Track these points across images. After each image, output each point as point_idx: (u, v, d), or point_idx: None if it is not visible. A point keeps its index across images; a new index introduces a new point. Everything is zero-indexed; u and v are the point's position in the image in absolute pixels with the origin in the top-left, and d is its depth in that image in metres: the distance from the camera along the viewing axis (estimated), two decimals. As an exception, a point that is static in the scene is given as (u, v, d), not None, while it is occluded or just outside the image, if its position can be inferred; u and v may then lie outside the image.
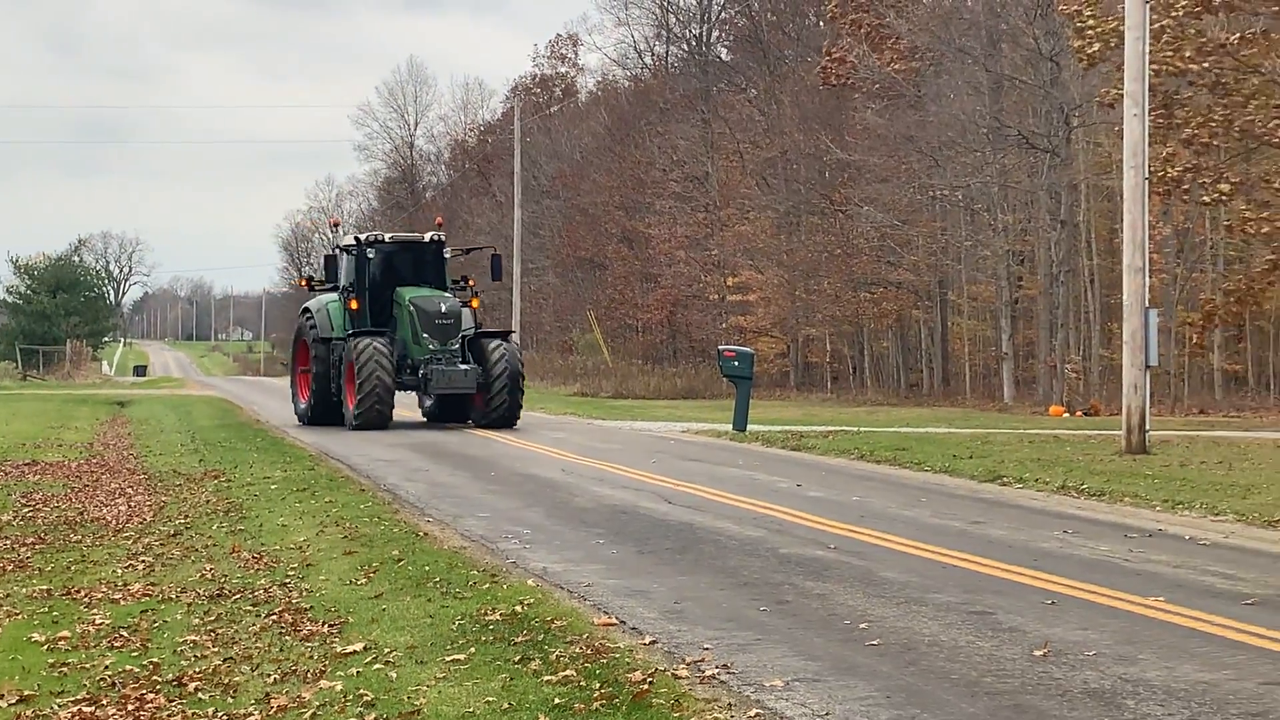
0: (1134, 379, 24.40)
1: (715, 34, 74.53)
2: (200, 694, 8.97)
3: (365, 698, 8.58)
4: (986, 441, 27.32)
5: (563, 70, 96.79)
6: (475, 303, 32.82)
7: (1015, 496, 19.01)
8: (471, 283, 33.34)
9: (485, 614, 10.63)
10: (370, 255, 32.07)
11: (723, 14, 73.53)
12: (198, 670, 9.52)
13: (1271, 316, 46.11)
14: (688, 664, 9.16)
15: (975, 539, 14.68)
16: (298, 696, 8.73)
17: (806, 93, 58.72)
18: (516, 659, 9.30)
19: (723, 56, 73.90)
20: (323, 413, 31.82)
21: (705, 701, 8.29)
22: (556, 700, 8.30)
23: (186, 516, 17.14)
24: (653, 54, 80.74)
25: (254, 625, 10.89)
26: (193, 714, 8.52)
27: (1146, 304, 24.61)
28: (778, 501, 17.73)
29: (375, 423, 29.93)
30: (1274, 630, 10.14)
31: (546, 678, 8.80)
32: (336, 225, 37.92)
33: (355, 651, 9.79)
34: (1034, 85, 45.76)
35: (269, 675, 9.34)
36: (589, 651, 9.39)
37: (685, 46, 76.43)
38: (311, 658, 9.76)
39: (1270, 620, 10.52)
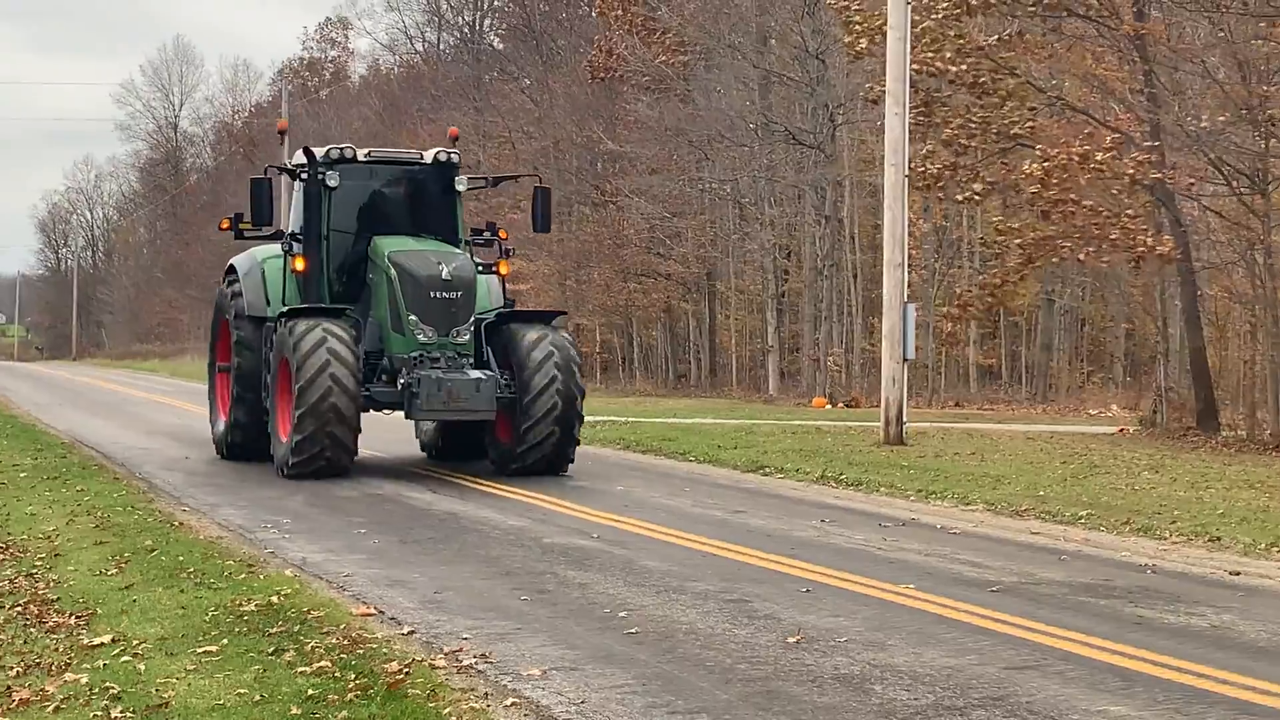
0: (892, 372, 24.99)
1: (488, 21, 74.35)
2: (-63, 689, 8.67)
3: (112, 690, 8.37)
4: (750, 432, 27.71)
5: (333, 54, 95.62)
6: (504, 267, 20.98)
7: (776, 486, 19.33)
8: (503, 235, 21.44)
9: (240, 605, 10.45)
10: (332, 184, 19.58)
11: (496, 1, 73.36)
12: (-65, 664, 9.19)
13: (1024, 312, 47.61)
14: (446, 654, 9.13)
15: (736, 528, 14.89)
16: (41, 690, 8.48)
17: (579, 83, 58.85)
18: (270, 650, 9.16)
19: (495, 45, 73.70)
20: (255, 437, 19.88)
21: (461, 691, 8.27)
22: (310, 691, 8.19)
23: (-71, 505, 16.53)
24: (424, 40, 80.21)
25: (-3, 617, 10.56)
26: (-72, 710, 8.23)
27: (905, 299, 25.21)
28: (542, 490, 17.75)
29: (326, 469, 18.26)
30: (1017, 617, 10.48)
31: (301, 669, 8.69)
32: (284, 132, 25.00)
33: (103, 644, 9.53)
34: (801, 82, 46.50)
35: (11, 669, 9.05)
36: (345, 642, 9.30)
37: (457, 33, 76.07)
38: (57, 650, 9.48)
39: (1014, 607, 10.87)
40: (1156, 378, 34.37)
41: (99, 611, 10.58)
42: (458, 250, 19.89)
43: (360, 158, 20.15)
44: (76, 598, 11.11)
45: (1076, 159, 27.99)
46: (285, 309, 19.13)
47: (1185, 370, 31.92)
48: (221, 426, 21.02)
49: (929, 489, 18.37)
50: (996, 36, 30.02)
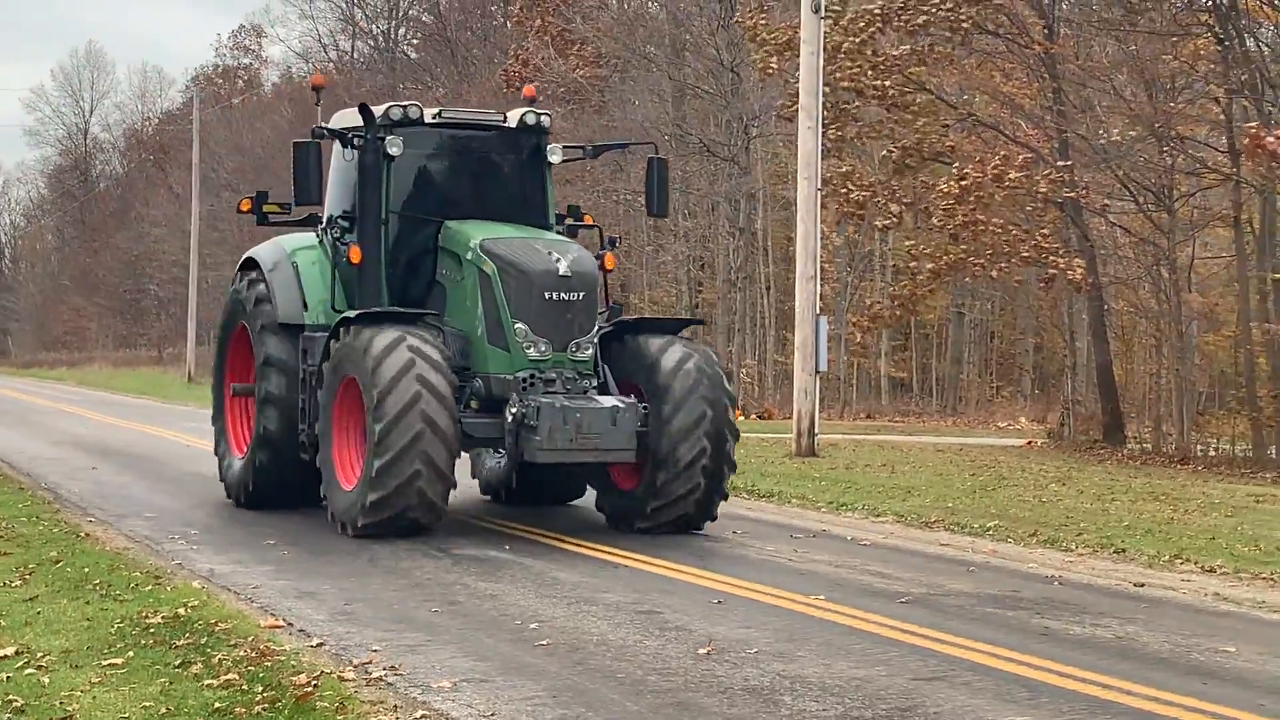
0: (804, 384, 25.10)
1: (402, 30, 74.07)
2: None
3: (15, 704, 8.24)
4: (663, 443, 27.68)
5: (246, 62, 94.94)
6: (610, 261, 16.26)
7: (688, 498, 19.30)
8: (588, 219, 17.53)
9: (146, 617, 10.32)
10: (394, 152, 15.34)
11: (410, 10, 73.11)
12: None
13: (935, 325, 48.05)
14: (355, 666, 9.06)
15: (646, 540, 14.83)
16: (-58, 704, 8.35)
17: (493, 93, 58.73)
18: (177, 663, 9.06)
19: (410, 54, 73.42)
20: (286, 481, 15.95)
21: (371, 704, 8.21)
22: (217, 704, 8.10)
23: None
24: (338, 48, 79.81)
25: (-102, 630, 10.37)
26: None
27: (817, 311, 25.34)
28: (453, 502, 17.64)
29: (407, 529, 14.13)
30: (925, 628, 10.55)
31: (208, 681, 8.59)
32: (320, 87, 18.59)
33: (6, 656, 9.37)
34: (715, 95, 46.69)
35: (-89, 682, 8.91)
36: (253, 654, 9.19)
37: (372, 42, 75.76)
38: (-41, 663, 9.34)
39: (922, 618, 10.94)
40: (1064, 391, 34.79)
41: (2, 623, 10.40)
42: (568, 239, 15.94)
43: (429, 118, 15.81)
44: (-21, 610, 10.94)
45: (991, 177, 28.34)
46: (352, 314, 14.75)
47: (1092, 384, 32.35)
48: (238, 466, 16.52)
49: (840, 500, 18.46)
50: (908, 47, 30.29)
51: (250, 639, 9.65)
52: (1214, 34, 28.53)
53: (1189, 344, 30.69)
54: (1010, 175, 28.38)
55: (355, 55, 78.27)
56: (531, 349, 14.59)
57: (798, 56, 26.15)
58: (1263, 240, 29.53)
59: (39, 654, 9.41)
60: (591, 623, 10.55)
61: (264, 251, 16.65)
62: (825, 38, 26.07)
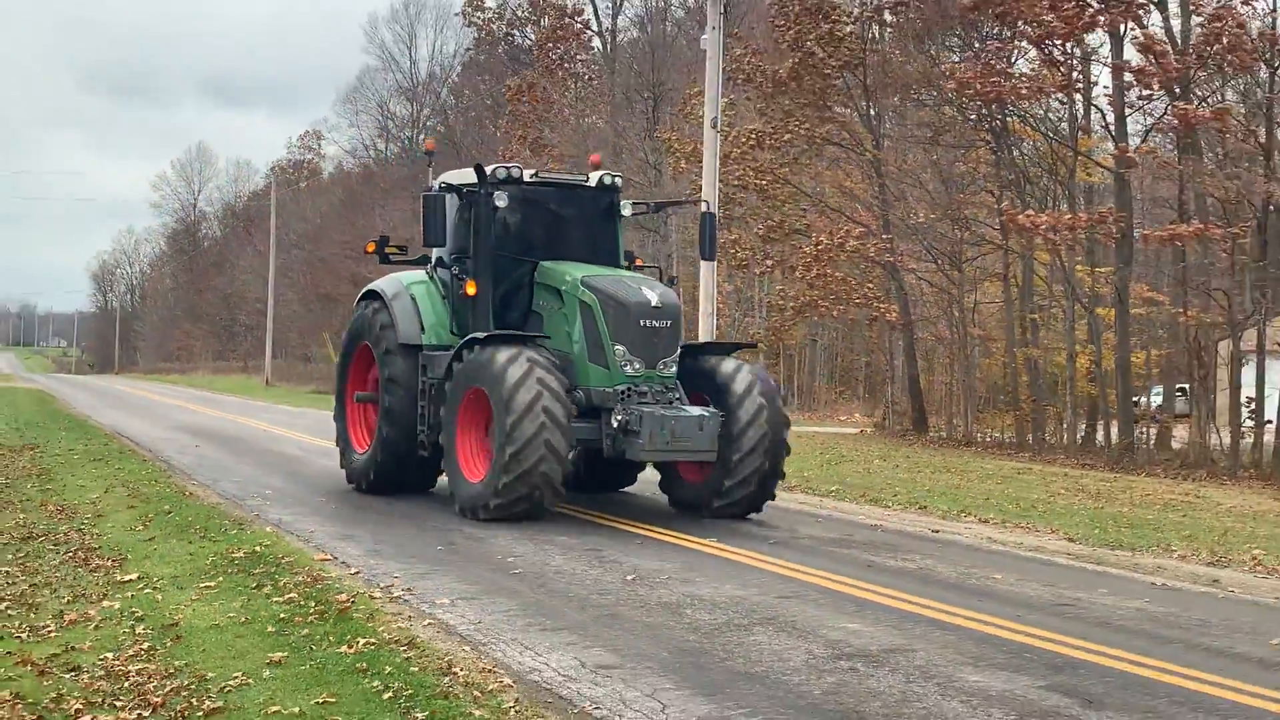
0: (704, 390, 25.10)
1: (422, 136, 73.74)
2: (9, 611, 8.36)
3: (136, 614, 8.16)
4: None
5: (309, 157, 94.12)
6: None
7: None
8: (639, 261, 15.14)
9: (232, 552, 10.22)
10: (500, 205, 13.59)
11: (429, 122, 72.94)
12: (8, 594, 8.87)
13: (797, 348, 48.27)
14: (381, 588, 9.00)
15: (596, 501, 14.79)
16: (85, 613, 8.24)
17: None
18: (254, 585, 8.98)
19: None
20: (396, 471, 14.23)
21: (392, 615, 8.17)
22: (282, 615, 8.05)
23: (6, 479, 15.91)
24: (375, 148, 79.44)
25: (55, 560, 10.22)
26: (2, 626, 7.93)
27: (714, 339, 25.35)
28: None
29: (530, 511, 12.44)
30: (786, 561, 10.60)
31: (275, 599, 8.53)
32: (431, 152, 16.32)
33: (131, 580, 9.28)
34: (643, 184, 46.76)
35: (63, 597, 8.78)
36: (308, 580, 9.13)
37: (400, 144, 75.44)
38: (97, 585, 9.21)
39: (784, 554, 10.99)
40: (885, 395, 34.98)
41: (129, 557, 10.29)
42: (653, 276, 14.19)
43: (528, 178, 13.94)
44: (112, 546, 10.79)
45: (836, 245, 28.58)
46: (481, 335, 12.94)
47: (905, 390, 32.54)
48: (359, 459, 14.74)
49: (728, 472, 18.41)
50: (781, 163, 30.62)
51: (307, 568, 9.58)
52: (990, 147, 28.86)
53: (972, 362, 30.95)
54: (849, 244, 28.58)
55: (387, 153, 77.86)
56: (628, 366, 12.94)
57: (700, 162, 26.20)
58: (1023, 290, 29.86)
59: (154, 579, 9.31)
60: (551, 557, 10.53)
61: (385, 285, 14.68)
62: (720, 148, 26.17)
